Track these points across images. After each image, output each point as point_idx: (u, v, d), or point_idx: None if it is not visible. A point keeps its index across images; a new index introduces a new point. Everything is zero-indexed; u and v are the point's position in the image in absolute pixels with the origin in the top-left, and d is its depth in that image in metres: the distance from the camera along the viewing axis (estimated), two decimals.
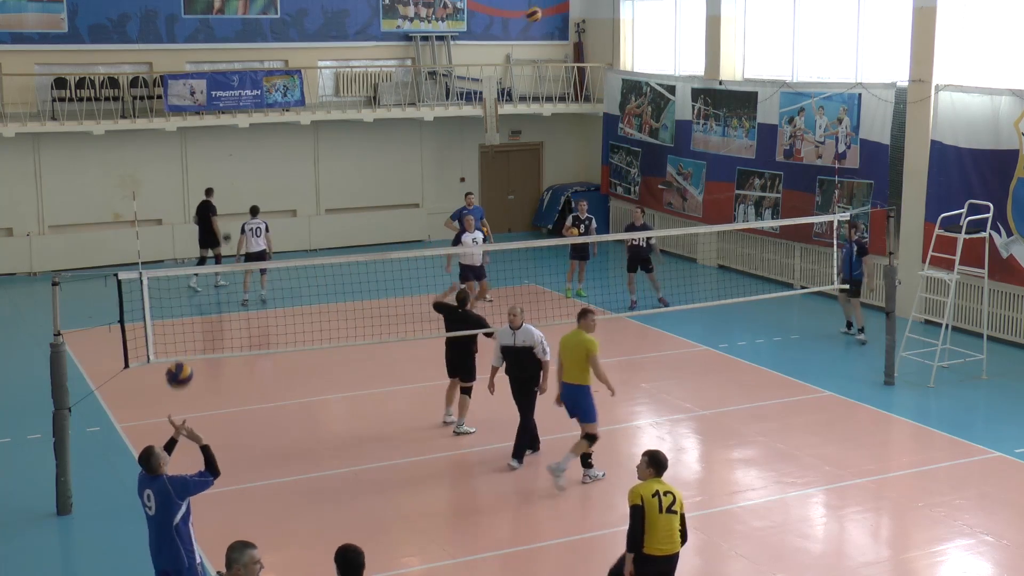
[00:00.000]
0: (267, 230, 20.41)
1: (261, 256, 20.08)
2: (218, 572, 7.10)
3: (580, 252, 20.25)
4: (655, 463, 8.65)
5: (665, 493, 8.50)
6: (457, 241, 19.29)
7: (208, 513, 11.48)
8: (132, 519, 11.35)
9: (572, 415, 12.23)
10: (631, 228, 19.53)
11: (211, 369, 15.82)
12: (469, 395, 13.73)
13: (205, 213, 21.53)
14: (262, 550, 10.59)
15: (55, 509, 11.55)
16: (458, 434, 13.63)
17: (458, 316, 13.77)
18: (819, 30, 21.05)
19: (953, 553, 10.61)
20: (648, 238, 19.29)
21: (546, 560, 10.65)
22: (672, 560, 8.55)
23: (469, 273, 19.13)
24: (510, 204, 26.94)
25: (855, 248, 17.17)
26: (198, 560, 8.68)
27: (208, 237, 21.48)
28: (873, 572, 10.23)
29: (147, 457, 8.65)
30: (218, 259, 21.47)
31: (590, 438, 12.07)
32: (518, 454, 12.69)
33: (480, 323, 13.70)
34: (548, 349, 12.53)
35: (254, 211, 20.75)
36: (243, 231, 20.18)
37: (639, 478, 8.73)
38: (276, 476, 12.44)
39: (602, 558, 10.48)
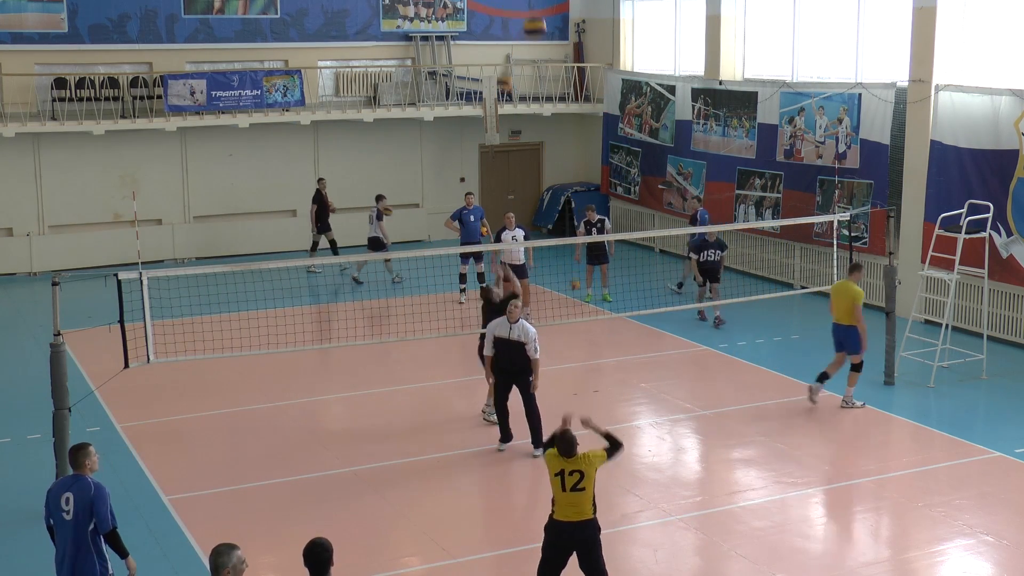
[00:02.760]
0: (379, 217, 21.47)
1: (374, 242, 21.41)
2: None
3: (597, 256, 20.01)
4: (556, 444, 8.88)
5: (572, 472, 8.74)
6: (497, 239, 18.97)
7: (207, 513, 11.50)
8: (131, 519, 11.36)
9: (840, 349, 14.42)
10: (704, 244, 18.64)
11: (211, 369, 15.81)
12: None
13: (315, 200, 22.64)
14: (262, 550, 10.65)
15: None
16: (488, 421, 13.73)
17: (493, 309, 13.70)
18: (819, 30, 21.05)
19: (953, 553, 10.61)
20: (721, 249, 18.77)
21: None
22: (582, 527, 8.80)
23: (511, 272, 18.77)
24: (510, 204, 26.90)
25: (702, 215, 20.30)
26: (111, 573, 8.45)
27: (319, 223, 22.51)
28: (873, 572, 10.23)
29: (78, 451, 8.43)
30: (321, 247, 22.44)
31: (858, 367, 14.33)
32: (537, 441, 12.75)
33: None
34: (539, 348, 12.69)
35: (376, 199, 21.90)
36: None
37: None
38: (276, 476, 12.44)
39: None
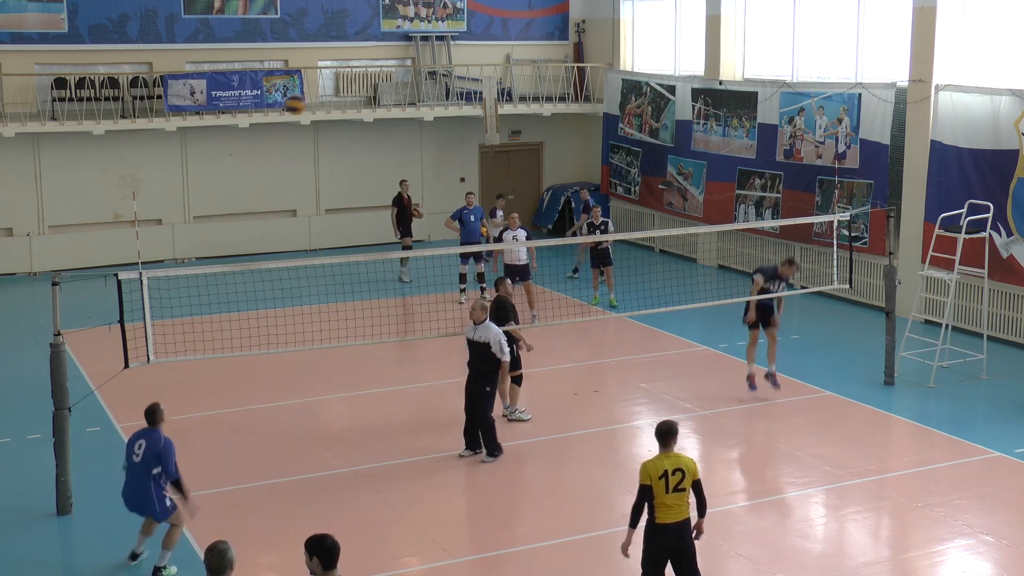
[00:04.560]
0: (492, 215, 21.10)
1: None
2: None
3: (601, 259, 19.76)
4: (659, 436, 8.86)
5: (675, 471, 8.70)
6: (499, 239, 18.89)
7: (207, 513, 11.48)
8: (132, 519, 11.35)
9: None
10: (775, 274, 14.94)
11: (211, 369, 15.81)
12: (519, 383, 13.89)
13: (396, 203, 22.04)
14: (262, 550, 10.66)
15: (55, 509, 11.55)
16: (511, 420, 13.78)
17: (496, 303, 13.68)
18: (819, 30, 21.05)
19: (953, 553, 10.62)
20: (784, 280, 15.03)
21: (546, 560, 10.65)
22: (681, 526, 8.80)
23: (512, 273, 18.48)
24: (510, 204, 26.90)
25: (582, 205, 21.36)
26: (168, 503, 10.16)
27: (401, 227, 21.92)
28: (873, 572, 10.23)
29: (153, 410, 10.19)
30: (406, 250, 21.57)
31: None
32: (470, 445, 12.88)
33: (507, 312, 13.67)
34: (506, 350, 12.69)
35: (497, 197, 21.86)
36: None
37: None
38: (276, 476, 12.44)
39: (602, 558, 10.49)
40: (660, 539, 8.79)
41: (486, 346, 12.65)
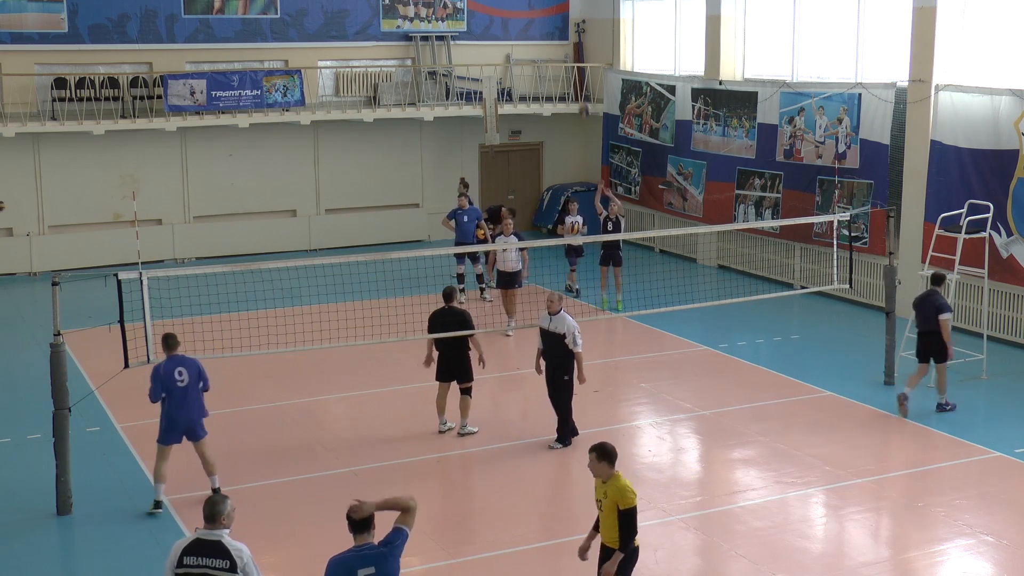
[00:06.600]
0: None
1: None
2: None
3: (612, 256, 19.48)
4: (613, 456, 8.68)
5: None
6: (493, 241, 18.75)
7: None
8: (132, 519, 11.38)
9: None
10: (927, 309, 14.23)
11: (211, 369, 15.77)
12: (469, 395, 13.63)
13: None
14: (262, 550, 10.64)
15: (55, 509, 11.54)
16: (462, 435, 13.61)
17: (444, 314, 13.54)
18: (819, 30, 21.05)
19: (953, 553, 10.62)
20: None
21: (546, 560, 10.65)
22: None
23: (503, 280, 18.37)
24: (510, 204, 26.90)
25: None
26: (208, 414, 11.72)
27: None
28: (873, 572, 10.23)
29: (172, 336, 11.49)
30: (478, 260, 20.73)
31: None
32: (561, 438, 13.13)
33: (467, 321, 13.45)
34: (580, 341, 12.86)
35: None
36: None
37: (600, 476, 8.72)
38: (276, 476, 12.44)
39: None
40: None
41: (561, 337, 12.80)
